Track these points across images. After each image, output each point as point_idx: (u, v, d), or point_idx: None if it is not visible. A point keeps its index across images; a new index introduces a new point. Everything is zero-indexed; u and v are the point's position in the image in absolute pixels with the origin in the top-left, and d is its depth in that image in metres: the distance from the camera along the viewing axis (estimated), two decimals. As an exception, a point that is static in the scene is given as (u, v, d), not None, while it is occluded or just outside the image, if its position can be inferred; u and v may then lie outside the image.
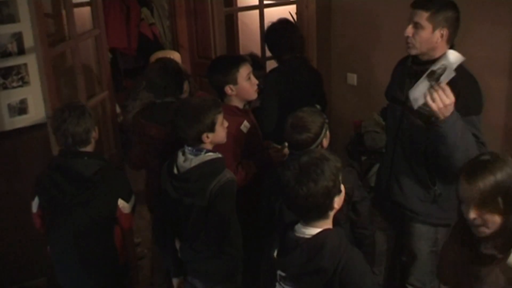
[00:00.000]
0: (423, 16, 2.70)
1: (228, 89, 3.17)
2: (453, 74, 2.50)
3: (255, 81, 3.25)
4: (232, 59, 3.34)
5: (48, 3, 4.13)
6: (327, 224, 2.20)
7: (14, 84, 3.66)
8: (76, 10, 3.86)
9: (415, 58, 2.86)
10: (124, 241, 3.12)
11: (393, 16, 4.00)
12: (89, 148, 2.98)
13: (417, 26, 2.73)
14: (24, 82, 3.68)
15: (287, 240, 2.21)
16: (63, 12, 3.98)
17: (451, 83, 2.66)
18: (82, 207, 2.92)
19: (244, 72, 3.19)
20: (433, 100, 2.46)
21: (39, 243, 3.39)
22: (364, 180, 3.91)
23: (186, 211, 2.84)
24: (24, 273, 3.88)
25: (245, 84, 3.20)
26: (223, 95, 3.22)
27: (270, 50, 4.16)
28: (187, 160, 2.78)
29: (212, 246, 2.81)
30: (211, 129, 2.78)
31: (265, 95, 3.80)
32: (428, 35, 2.72)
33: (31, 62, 3.65)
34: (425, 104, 2.52)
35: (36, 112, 3.74)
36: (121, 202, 2.99)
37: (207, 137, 2.78)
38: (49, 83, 3.36)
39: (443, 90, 2.45)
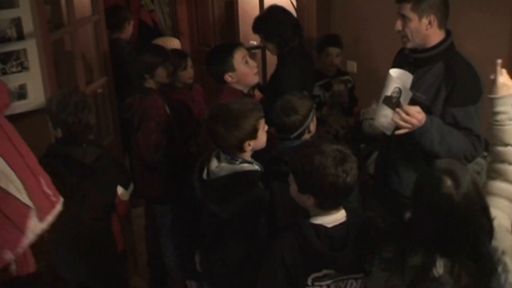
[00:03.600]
0: (407, 8, 2.73)
1: (228, 77, 3.19)
2: (410, 94, 2.55)
3: (253, 64, 3.25)
4: (226, 47, 3.36)
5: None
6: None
7: (14, 69, 3.64)
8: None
9: (415, 48, 2.86)
10: (121, 228, 3.13)
11: (391, 4, 3.99)
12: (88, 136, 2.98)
13: (404, 19, 2.76)
14: (23, 67, 3.66)
15: (319, 235, 2.18)
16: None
17: (448, 74, 2.69)
18: (82, 195, 2.91)
19: (239, 56, 3.19)
20: (402, 126, 2.56)
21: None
22: (363, 167, 3.92)
23: (208, 218, 2.71)
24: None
25: (243, 68, 3.21)
26: (224, 84, 3.23)
27: (267, 39, 3.82)
28: (219, 166, 2.60)
29: (228, 265, 2.68)
30: (253, 136, 2.58)
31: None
32: (416, 24, 2.73)
33: (30, 48, 3.63)
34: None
35: (36, 97, 3.72)
36: (120, 189, 3.00)
37: (249, 145, 2.58)
38: (49, 68, 3.35)
39: (407, 113, 2.52)
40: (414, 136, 2.63)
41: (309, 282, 2.20)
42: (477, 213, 1.92)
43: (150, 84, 3.62)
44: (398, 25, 2.80)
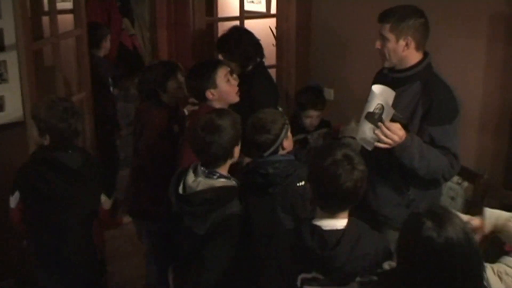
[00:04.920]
0: (386, 28, 2.81)
1: (209, 93, 3.17)
2: (392, 111, 2.60)
3: (234, 82, 3.27)
4: (209, 63, 3.35)
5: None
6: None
7: (-8, 81, 3.64)
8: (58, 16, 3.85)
9: (393, 68, 2.93)
10: (101, 236, 3.10)
11: (369, 32, 4.08)
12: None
13: (383, 39, 2.84)
14: (2, 79, 3.64)
15: (313, 234, 2.20)
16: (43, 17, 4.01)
17: (424, 93, 2.76)
18: (69, 201, 2.90)
19: (222, 73, 3.20)
20: (382, 141, 2.60)
21: (5, 242, 3.32)
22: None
23: (184, 233, 2.69)
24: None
25: (225, 86, 3.21)
26: (204, 100, 3.22)
27: (230, 58, 3.84)
28: (196, 181, 2.59)
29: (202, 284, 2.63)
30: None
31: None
32: (393, 45, 2.81)
33: (10, 60, 3.61)
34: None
35: (13, 110, 3.69)
36: (103, 198, 3.00)
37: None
38: (30, 78, 3.34)
39: (389, 129, 2.58)
40: (394, 152, 2.67)
41: (298, 283, 2.20)
42: (465, 258, 1.74)
43: (164, 98, 3.62)
44: (378, 44, 2.87)
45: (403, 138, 2.62)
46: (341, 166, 2.14)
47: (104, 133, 4.74)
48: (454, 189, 3.56)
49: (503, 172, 3.70)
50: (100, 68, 4.65)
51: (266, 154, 2.80)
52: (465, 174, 3.52)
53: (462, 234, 1.74)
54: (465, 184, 3.58)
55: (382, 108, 2.58)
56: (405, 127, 2.73)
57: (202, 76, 3.18)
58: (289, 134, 2.87)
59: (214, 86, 3.18)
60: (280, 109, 3.05)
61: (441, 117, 2.74)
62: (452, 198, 3.55)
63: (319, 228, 2.20)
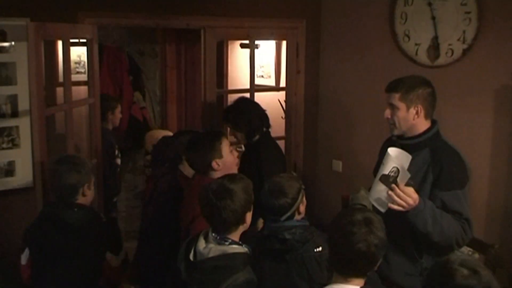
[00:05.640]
0: (395, 98, 2.85)
1: (215, 164, 3.12)
2: (408, 175, 2.59)
3: (236, 153, 3.26)
4: (213, 134, 3.31)
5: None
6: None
7: (4, 145, 3.69)
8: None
9: (402, 135, 2.96)
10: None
11: (375, 103, 4.16)
12: (80, 200, 2.98)
13: (393, 108, 2.87)
14: (14, 144, 3.71)
15: None
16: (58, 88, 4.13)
17: (434, 159, 2.77)
18: (69, 258, 2.91)
19: (226, 144, 3.19)
20: (397, 203, 2.59)
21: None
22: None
23: None
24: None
25: (229, 157, 3.19)
26: (208, 171, 3.17)
27: (235, 128, 3.93)
28: (207, 247, 2.50)
29: None
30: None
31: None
32: (404, 113, 2.84)
33: (23, 125, 3.70)
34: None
35: (24, 175, 3.74)
36: (109, 255, 2.98)
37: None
38: (41, 144, 3.37)
39: (403, 192, 2.57)
40: (407, 217, 2.66)
41: None
42: None
43: (184, 166, 3.60)
44: (387, 113, 2.90)
45: (417, 202, 2.62)
46: (357, 226, 2.13)
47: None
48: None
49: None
50: (104, 142, 4.68)
51: (283, 218, 2.77)
52: (476, 245, 3.47)
53: (492, 277, 1.78)
54: (476, 255, 3.52)
55: (398, 171, 2.58)
56: (416, 192, 2.73)
57: (208, 147, 3.15)
58: (304, 199, 2.86)
59: (220, 156, 3.15)
60: (294, 173, 3.03)
61: (451, 183, 2.74)
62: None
63: None
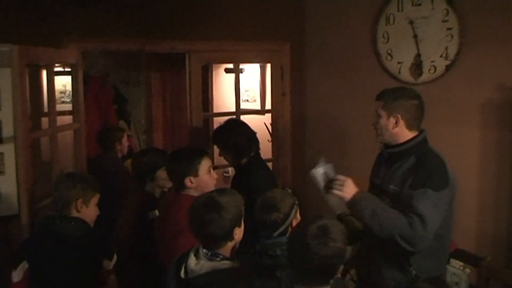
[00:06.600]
0: (379, 106, 2.93)
1: (188, 181, 3.11)
2: (332, 169, 2.91)
3: (215, 175, 3.24)
4: (195, 151, 3.29)
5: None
6: None
7: (-12, 172, 3.63)
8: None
9: (387, 144, 2.98)
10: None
11: (362, 121, 4.17)
12: (75, 214, 3.04)
13: (377, 115, 2.94)
14: (-1, 171, 3.66)
15: None
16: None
17: (418, 164, 2.79)
18: (68, 270, 2.95)
19: (206, 164, 3.17)
20: (337, 189, 2.83)
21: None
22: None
23: None
24: None
25: (206, 177, 3.17)
26: (181, 186, 3.16)
27: (224, 150, 3.87)
28: (199, 264, 2.47)
29: None
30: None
31: None
32: (385, 121, 2.91)
33: (8, 152, 3.63)
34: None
35: (9, 203, 3.66)
36: (105, 262, 3.06)
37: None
38: (27, 170, 3.33)
39: (338, 179, 2.85)
40: (348, 207, 2.83)
41: None
42: None
43: (149, 187, 3.64)
44: (372, 120, 2.97)
45: (354, 192, 2.79)
46: (310, 237, 2.16)
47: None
48: (457, 274, 3.49)
49: (505, 253, 3.65)
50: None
51: (275, 234, 2.73)
52: (468, 258, 3.47)
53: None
54: (468, 270, 3.51)
55: (326, 174, 2.89)
56: (396, 196, 2.80)
57: (186, 162, 3.14)
58: (298, 214, 2.83)
59: (196, 174, 3.13)
60: (288, 190, 3.05)
61: (425, 181, 2.72)
62: (456, 284, 3.47)
63: None
